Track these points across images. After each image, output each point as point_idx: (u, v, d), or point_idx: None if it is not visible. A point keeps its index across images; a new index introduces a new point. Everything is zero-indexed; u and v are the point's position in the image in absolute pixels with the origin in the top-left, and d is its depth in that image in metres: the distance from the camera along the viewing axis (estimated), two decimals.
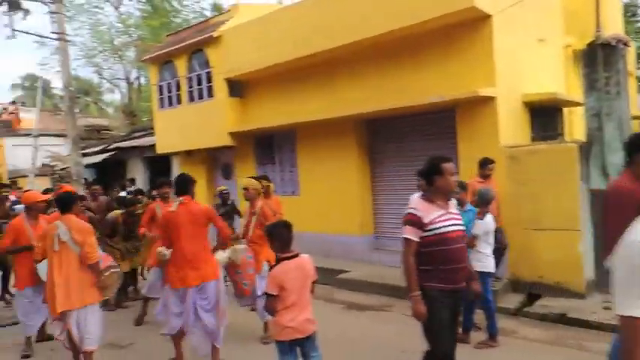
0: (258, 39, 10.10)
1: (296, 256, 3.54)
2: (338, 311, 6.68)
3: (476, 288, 3.71)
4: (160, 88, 12.83)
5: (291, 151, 10.56)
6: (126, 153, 16.69)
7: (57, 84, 30.85)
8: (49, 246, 4.59)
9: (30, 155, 18.87)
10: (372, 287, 7.57)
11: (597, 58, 6.53)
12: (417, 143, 8.56)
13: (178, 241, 4.64)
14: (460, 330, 5.28)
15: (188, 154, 12.71)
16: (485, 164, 6.50)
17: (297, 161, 10.33)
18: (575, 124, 9.46)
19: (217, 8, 24.45)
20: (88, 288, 4.57)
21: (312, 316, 3.55)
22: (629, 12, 20.18)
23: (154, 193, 7.47)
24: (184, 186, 4.84)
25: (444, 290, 3.35)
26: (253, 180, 5.73)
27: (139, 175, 16.03)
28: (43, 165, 19.75)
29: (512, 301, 6.37)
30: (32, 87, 34.28)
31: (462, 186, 5.29)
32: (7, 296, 7.60)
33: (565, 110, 9.17)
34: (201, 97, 11.70)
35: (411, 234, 3.34)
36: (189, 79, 11.95)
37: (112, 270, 4.76)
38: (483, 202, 5.23)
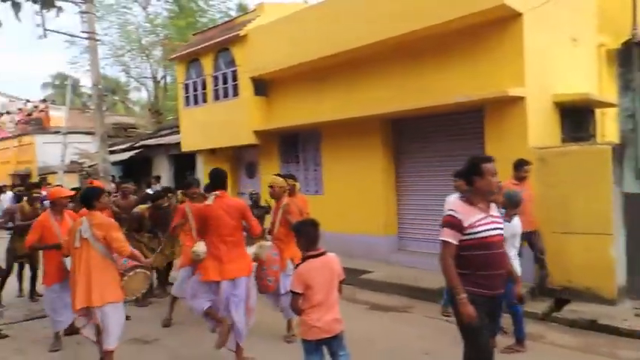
0: (283, 38, 10.12)
1: (323, 254, 3.51)
2: (361, 312, 6.64)
3: (518, 292, 3.58)
4: (186, 86, 12.96)
5: (315, 150, 10.55)
6: (152, 150, 16.92)
7: (86, 83, 31.49)
8: (70, 242, 4.66)
9: (59, 152, 19.32)
10: (394, 288, 7.49)
11: (633, 58, 6.34)
12: (442, 144, 8.45)
13: (214, 234, 4.66)
14: None
15: (213, 153, 12.81)
16: (520, 166, 6.27)
17: (322, 160, 10.31)
18: (608, 126, 9.20)
19: (243, 8, 24.62)
20: (110, 286, 4.56)
21: (340, 316, 3.51)
22: None
23: (180, 192, 7.54)
24: (219, 180, 4.86)
25: (483, 296, 3.23)
26: (279, 177, 5.73)
27: (164, 172, 16.23)
28: (72, 162, 20.17)
29: (540, 305, 6.22)
30: (62, 85, 35.06)
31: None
32: (36, 293, 7.74)
33: (597, 111, 8.93)
34: (226, 95, 11.77)
35: (450, 237, 3.24)
36: (215, 78, 12.04)
37: (137, 271, 4.73)
38: (511, 205, 5.11)
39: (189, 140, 13.10)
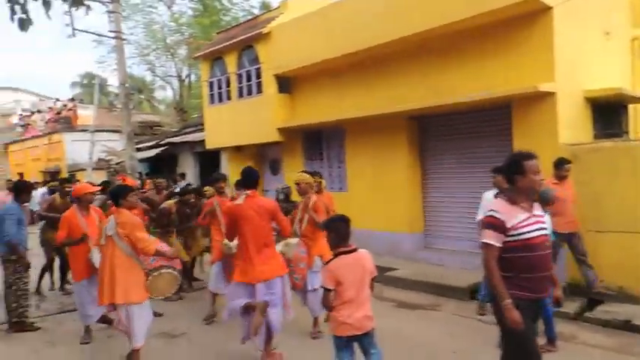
0: (307, 35, 10.10)
1: (354, 250, 3.48)
2: (388, 309, 6.59)
3: (557, 294, 3.41)
4: (211, 84, 13.06)
5: (339, 147, 10.52)
6: (177, 148, 17.12)
7: (113, 82, 32.07)
8: (99, 239, 4.74)
9: (87, 150, 19.71)
10: (421, 286, 7.43)
11: None
12: (469, 141, 8.34)
13: (244, 234, 4.57)
14: None
15: (237, 150, 12.88)
16: (560, 164, 6.04)
17: (346, 157, 10.28)
18: None
19: (265, 6, 24.70)
20: (134, 286, 4.58)
21: (371, 313, 3.49)
22: None
23: (206, 188, 7.59)
24: (250, 179, 4.78)
25: (527, 299, 3.08)
26: (306, 174, 5.70)
27: (189, 169, 16.41)
28: (100, 159, 20.54)
29: (572, 305, 6.08)
30: (90, 85, 35.73)
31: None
32: (67, 285, 7.90)
33: (630, 107, 8.69)
34: (250, 93, 11.83)
35: (493, 239, 3.09)
36: (239, 76, 12.10)
37: (162, 271, 4.66)
38: (542, 202, 4.99)
39: (214, 137, 13.20)
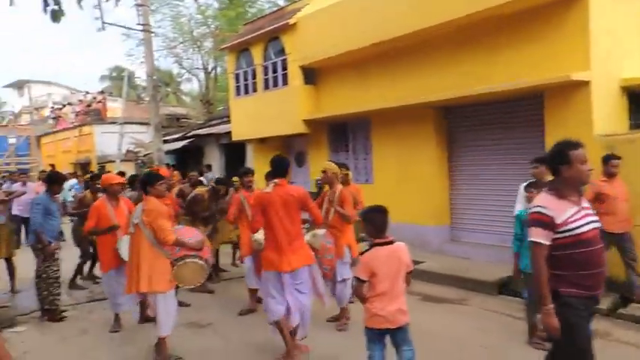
0: (333, 25, 10.02)
1: (390, 242, 3.42)
2: (414, 303, 6.47)
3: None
4: (237, 76, 13.10)
5: (365, 138, 10.43)
6: (203, 140, 17.27)
7: (141, 75, 32.46)
8: (127, 229, 4.78)
9: (116, 142, 20.06)
10: (448, 279, 7.32)
11: None
12: (498, 132, 8.16)
13: (272, 224, 4.50)
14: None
15: (262, 142, 12.91)
16: (608, 160, 5.76)
17: (372, 149, 10.19)
18: None
19: None
20: (158, 275, 4.57)
21: (405, 307, 3.42)
22: None
23: (235, 179, 7.64)
24: (280, 168, 4.68)
25: (582, 297, 2.89)
26: (332, 163, 5.64)
27: (215, 161, 16.55)
28: (128, 151, 20.87)
29: (605, 301, 5.89)
30: (118, 78, 36.32)
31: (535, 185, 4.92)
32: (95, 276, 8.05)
33: None
34: (276, 84, 11.81)
35: (541, 237, 2.88)
36: (265, 67, 12.10)
37: (186, 260, 4.58)
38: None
39: (240, 129, 13.25)
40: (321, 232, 5.21)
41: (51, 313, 6.19)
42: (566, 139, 3.04)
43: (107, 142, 21.54)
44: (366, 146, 10.41)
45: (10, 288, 7.65)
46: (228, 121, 14.58)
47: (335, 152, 11.12)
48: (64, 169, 20.88)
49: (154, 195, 4.74)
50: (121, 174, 10.13)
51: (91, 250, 7.88)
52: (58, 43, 76.98)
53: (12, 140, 21.89)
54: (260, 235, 4.75)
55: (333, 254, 5.21)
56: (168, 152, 16.43)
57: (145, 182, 4.83)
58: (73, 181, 13.67)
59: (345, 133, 10.91)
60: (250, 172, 6.49)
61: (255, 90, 12.51)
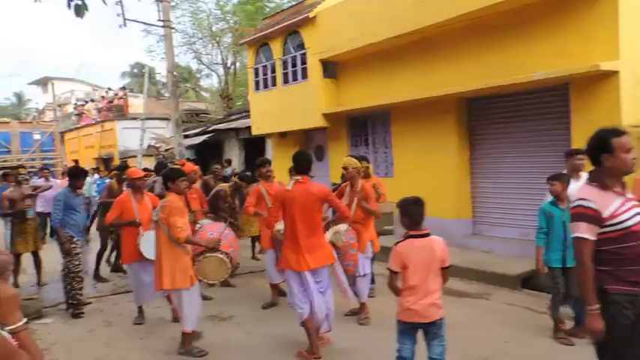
0: (353, 18, 9.94)
1: (426, 235, 3.36)
2: None
3: None
4: (256, 70, 13.11)
5: (385, 132, 10.36)
6: (223, 135, 17.37)
7: (161, 71, 32.77)
8: (149, 224, 4.82)
9: (138, 137, 20.30)
10: (469, 273, 7.24)
11: None
12: (522, 124, 8.00)
13: (292, 221, 4.44)
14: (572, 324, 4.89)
15: (282, 136, 12.92)
16: None
17: (392, 142, 10.11)
18: None
19: None
20: (179, 271, 4.58)
21: (439, 302, 3.35)
22: None
23: (253, 172, 7.63)
24: (303, 164, 4.58)
25: (632, 294, 2.66)
26: (353, 159, 5.59)
27: (234, 156, 16.64)
28: (149, 146, 21.10)
29: None
30: (139, 74, 36.76)
31: (559, 177, 4.78)
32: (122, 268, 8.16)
33: None
34: (295, 78, 11.79)
35: (587, 232, 2.66)
36: (284, 61, 12.08)
37: (207, 254, 4.57)
38: None
39: (259, 124, 13.28)
40: (343, 228, 5.16)
41: (73, 307, 6.25)
42: (609, 126, 2.84)
43: (129, 138, 21.80)
44: (386, 139, 10.33)
45: (37, 281, 7.82)
46: (248, 116, 14.63)
47: (355, 146, 11.07)
48: (87, 164, 21.22)
49: (174, 191, 4.76)
50: (146, 171, 10.23)
51: (114, 243, 8.01)
52: (81, 41, 78.24)
53: (37, 136, 22.29)
54: (281, 225, 4.72)
55: (356, 249, 5.18)
56: (188, 147, 16.57)
57: (166, 178, 4.86)
58: (94, 177, 13.87)
59: (364, 127, 10.84)
60: (268, 162, 6.41)
61: (274, 84, 12.52)
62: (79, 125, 27.15)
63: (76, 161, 19.75)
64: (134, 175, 5.99)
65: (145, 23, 15.52)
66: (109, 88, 26.84)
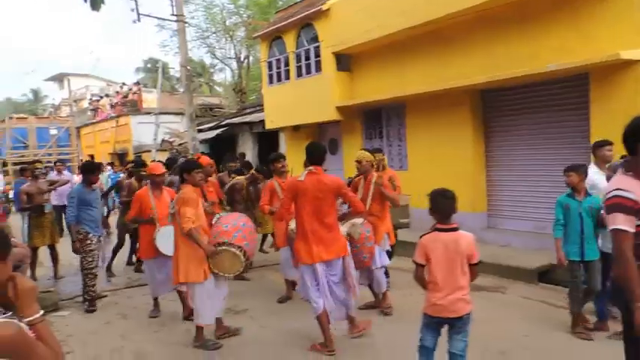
0: (367, 10, 9.85)
1: (453, 229, 3.28)
2: None
3: None
4: (270, 64, 13.08)
5: (399, 124, 10.28)
6: (236, 128, 17.39)
7: (175, 66, 32.92)
8: (166, 219, 4.82)
9: (152, 132, 20.42)
10: (485, 267, 7.08)
11: None
12: (539, 115, 7.88)
13: (304, 213, 4.38)
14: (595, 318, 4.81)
15: (295, 129, 12.89)
16: None
17: (406, 135, 10.03)
18: None
19: None
20: (194, 265, 4.56)
21: (467, 297, 3.27)
22: None
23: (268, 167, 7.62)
24: (315, 155, 4.51)
25: None
26: (366, 152, 5.54)
27: (248, 149, 16.64)
28: (163, 140, 21.23)
29: None
30: (152, 69, 36.99)
31: (575, 168, 4.68)
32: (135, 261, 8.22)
33: None
34: (309, 72, 11.74)
35: (626, 224, 2.49)
36: (298, 55, 12.03)
37: (219, 249, 4.53)
38: None
39: (273, 117, 13.26)
40: (359, 221, 5.11)
41: (88, 302, 6.25)
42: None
43: (143, 132, 21.94)
44: (401, 132, 10.25)
45: (54, 274, 7.91)
46: (261, 110, 14.62)
47: (369, 139, 11.01)
48: (102, 159, 21.44)
49: (190, 182, 4.75)
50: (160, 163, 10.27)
51: (132, 239, 8.05)
52: (95, 37, 78.93)
53: (53, 131, 22.53)
54: (295, 226, 4.69)
55: (372, 242, 5.14)
56: (202, 141, 16.63)
57: (183, 170, 4.86)
58: (108, 171, 14.00)
59: (379, 120, 10.77)
60: (282, 157, 6.33)
61: (288, 78, 12.47)
62: (94, 120, 27.41)
63: (92, 156, 19.97)
64: (154, 172, 5.89)
65: (158, 18, 15.53)
66: (124, 84, 27.02)
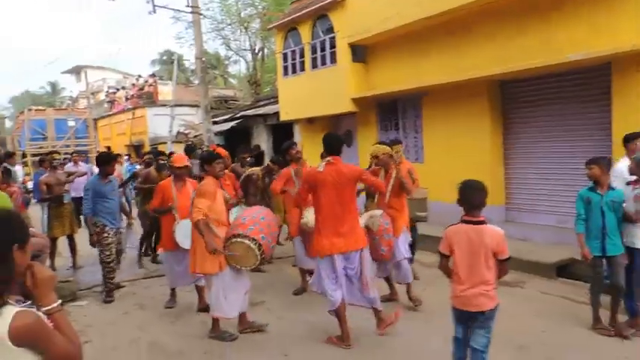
0: (382, 1, 9.72)
1: (480, 223, 3.20)
2: None
3: None
4: (285, 55, 13.03)
5: (415, 116, 10.18)
6: (251, 121, 17.39)
7: (190, 58, 33.02)
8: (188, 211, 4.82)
9: (167, 124, 20.52)
10: None
11: None
12: (559, 106, 7.73)
13: (322, 204, 4.34)
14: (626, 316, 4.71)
15: (310, 122, 12.84)
16: None
17: (422, 127, 9.93)
18: None
19: None
20: (211, 256, 4.53)
21: (492, 293, 3.19)
22: None
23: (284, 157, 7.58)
24: (334, 145, 4.46)
25: None
26: (382, 145, 5.47)
27: (262, 142, 16.64)
28: (179, 132, 21.32)
29: None
30: (168, 61, 37.14)
31: (597, 161, 4.56)
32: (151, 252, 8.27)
33: None
34: (324, 63, 11.66)
35: None
36: (313, 46, 11.95)
37: (232, 240, 4.49)
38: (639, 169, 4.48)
39: (288, 109, 13.22)
40: (378, 212, 5.07)
41: (106, 294, 6.28)
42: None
43: (159, 124, 22.04)
44: (417, 124, 10.15)
45: (72, 264, 8.00)
46: (276, 102, 14.58)
47: (384, 130, 10.92)
48: (119, 151, 21.62)
49: (211, 173, 4.74)
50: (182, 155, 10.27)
51: (152, 229, 8.06)
52: (112, 30, 79.52)
53: (71, 123, 22.80)
54: (309, 217, 4.64)
55: (391, 234, 5.08)
56: (217, 133, 16.65)
57: (203, 160, 4.86)
58: (125, 163, 14.09)
59: (394, 111, 10.67)
60: (293, 143, 6.30)
61: (303, 69, 12.41)
62: (110, 112, 27.63)
63: (109, 147, 20.13)
64: (176, 164, 5.82)
65: (174, 9, 15.66)
66: (139, 76, 27.17)
